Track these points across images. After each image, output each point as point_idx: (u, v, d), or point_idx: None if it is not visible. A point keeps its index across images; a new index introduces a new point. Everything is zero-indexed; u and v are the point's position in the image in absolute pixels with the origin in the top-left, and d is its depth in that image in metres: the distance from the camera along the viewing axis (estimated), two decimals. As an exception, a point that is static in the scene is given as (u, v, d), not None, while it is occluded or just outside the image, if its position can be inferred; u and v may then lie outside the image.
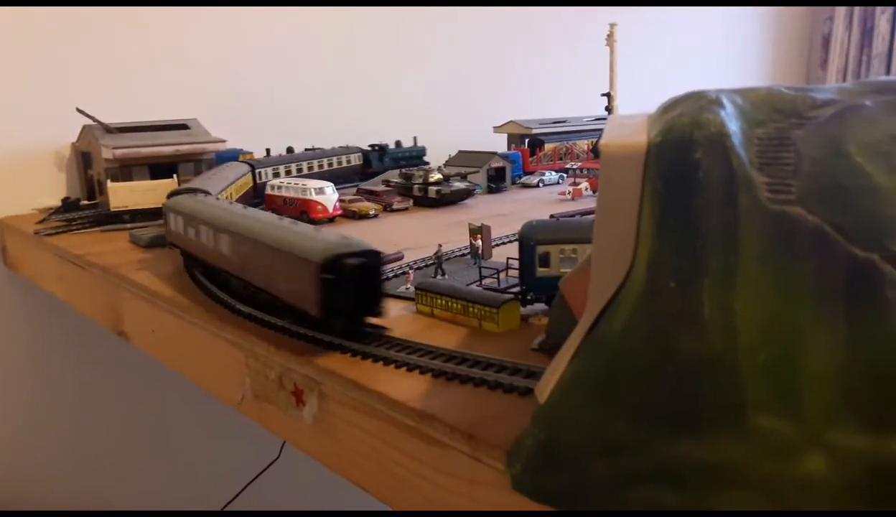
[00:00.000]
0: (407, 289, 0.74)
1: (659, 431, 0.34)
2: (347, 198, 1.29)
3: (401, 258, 0.89)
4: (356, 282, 0.57)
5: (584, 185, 1.37)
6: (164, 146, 1.28)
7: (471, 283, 0.76)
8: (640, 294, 0.36)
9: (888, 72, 2.36)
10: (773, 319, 0.33)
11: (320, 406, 0.58)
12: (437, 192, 1.30)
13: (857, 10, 2.42)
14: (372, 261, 0.58)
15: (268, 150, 1.55)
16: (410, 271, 0.80)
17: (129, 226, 1.16)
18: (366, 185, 1.42)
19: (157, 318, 0.84)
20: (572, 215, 1.16)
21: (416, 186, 1.33)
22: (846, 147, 0.34)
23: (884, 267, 0.32)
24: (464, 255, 0.89)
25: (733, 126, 0.35)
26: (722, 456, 0.33)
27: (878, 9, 2.35)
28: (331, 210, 1.17)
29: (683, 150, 0.35)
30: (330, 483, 0.59)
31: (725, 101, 0.37)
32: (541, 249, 0.63)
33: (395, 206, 1.28)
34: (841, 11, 2.45)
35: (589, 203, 1.28)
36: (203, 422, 1.62)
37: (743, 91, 0.38)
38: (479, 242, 0.85)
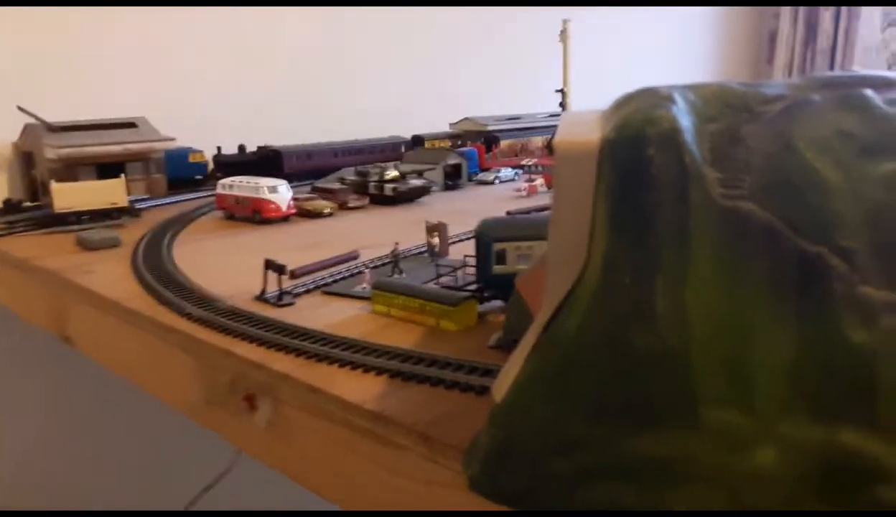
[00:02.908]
0: (363, 288, 0.73)
1: (615, 428, 0.34)
2: (302, 196, 1.27)
3: (356, 257, 0.88)
4: None
5: (539, 181, 1.37)
6: (113, 145, 1.24)
7: (428, 282, 0.75)
8: (595, 290, 0.36)
9: (832, 67, 2.43)
10: (726, 313, 0.33)
11: (274, 410, 0.56)
12: (394, 189, 1.29)
13: (801, 7, 2.49)
14: None
15: (219, 148, 1.52)
16: (367, 270, 0.79)
17: (75, 228, 1.12)
18: (321, 183, 1.40)
19: (103, 322, 0.81)
20: (528, 212, 1.16)
21: (372, 184, 1.32)
22: (795, 142, 0.35)
23: (832, 260, 0.32)
24: (421, 253, 0.88)
25: (685, 122, 0.35)
26: (677, 450, 0.33)
27: (822, 6, 2.42)
28: (284, 209, 1.15)
29: (636, 146, 0.35)
30: (289, 486, 0.57)
31: (677, 97, 0.37)
32: (497, 247, 0.62)
33: (350, 204, 1.27)
34: (787, 9, 2.51)
35: (544, 199, 1.29)
36: (158, 427, 1.58)
37: (694, 87, 0.39)
38: (436, 240, 0.85)
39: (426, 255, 0.86)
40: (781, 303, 0.33)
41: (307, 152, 1.57)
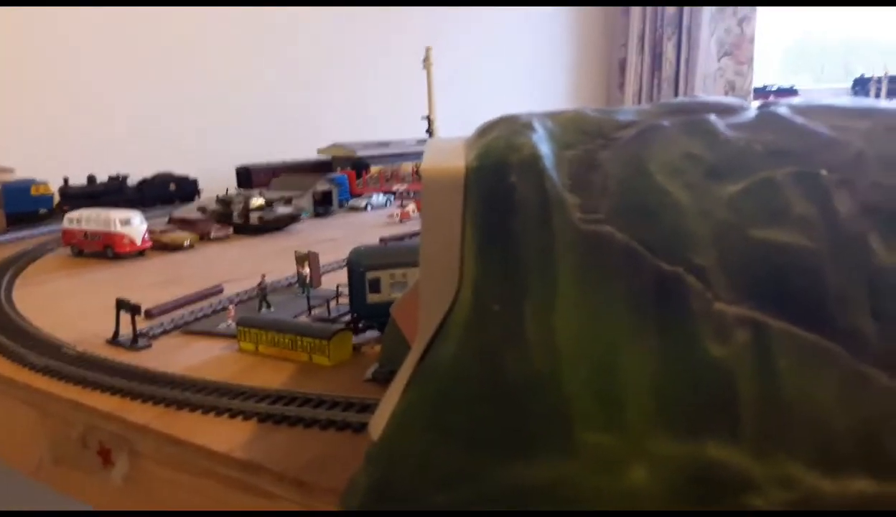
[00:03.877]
0: (228, 325, 0.69)
1: (494, 458, 0.34)
2: (158, 228, 1.19)
3: (220, 292, 0.84)
4: None
5: (411, 207, 1.38)
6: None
7: (299, 315, 0.73)
8: (467, 318, 0.36)
9: (676, 93, 2.63)
10: (592, 336, 0.34)
11: (132, 465, 0.52)
12: (260, 218, 1.25)
13: (647, 37, 2.68)
14: None
15: (66, 179, 1.41)
16: (231, 306, 0.75)
17: None
18: (179, 213, 1.33)
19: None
20: (401, 238, 1.16)
21: (235, 213, 1.26)
22: (647, 166, 0.36)
23: (688, 279, 0.34)
24: (291, 284, 0.86)
25: (545, 149, 0.36)
26: (556, 475, 0.33)
27: (665, 36, 2.61)
28: (139, 242, 1.08)
29: (499, 173, 0.35)
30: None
31: (536, 124, 0.37)
32: (371, 275, 0.61)
33: (213, 235, 1.21)
34: (634, 39, 2.70)
35: (418, 225, 1.29)
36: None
37: (552, 114, 0.39)
38: (307, 270, 0.82)
39: (296, 286, 0.83)
40: (643, 323, 0.34)
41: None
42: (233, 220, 1.26)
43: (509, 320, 0.34)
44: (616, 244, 0.35)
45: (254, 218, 1.25)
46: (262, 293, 0.76)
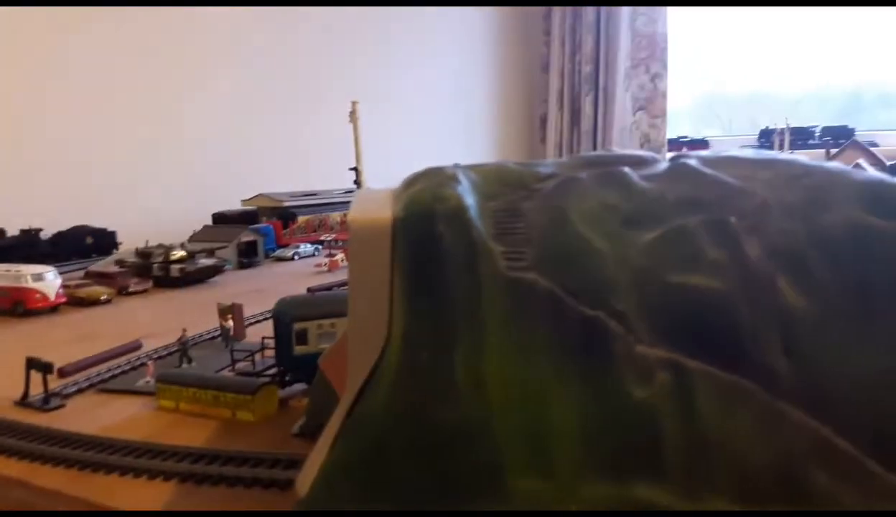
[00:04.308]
0: (147, 382, 0.67)
1: (425, 511, 0.34)
2: (73, 282, 1.14)
3: (138, 347, 0.80)
4: None
5: (340, 256, 1.37)
6: None
7: (222, 369, 0.71)
8: (397, 368, 0.36)
9: (595, 145, 2.74)
10: (520, 381, 0.34)
11: (40, 536, 0.48)
12: (181, 270, 1.21)
13: (566, 93, 2.79)
14: None
15: (1, 230, 1.34)
16: (150, 362, 0.72)
17: None
18: (96, 267, 1.27)
19: None
20: (330, 288, 1.15)
21: (155, 265, 1.22)
22: (568, 215, 0.38)
23: (610, 323, 0.35)
24: (213, 338, 0.83)
25: (470, 200, 0.37)
26: (487, 524, 0.33)
27: (583, 92, 2.73)
28: (52, 298, 1.03)
29: (426, 223, 0.35)
30: None
31: (461, 176, 0.38)
32: (297, 326, 0.60)
33: (131, 289, 1.17)
34: (554, 95, 2.80)
35: (346, 274, 1.28)
36: None
37: (475, 167, 0.41)
38: (230, 323, 0.80)
39: (220, 340, 0.81)
40: (569, 367, 0.35)
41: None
42: (153, 273, 1.22)
43: (439, 369, 0.35)
44: (541, 291, 0.35)
45: (175, 270, 1.21)
46: (183, 348, 0.73)
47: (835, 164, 0.39)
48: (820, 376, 0.33)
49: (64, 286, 1.06)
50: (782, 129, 1.78)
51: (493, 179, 0.40)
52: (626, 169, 0.41)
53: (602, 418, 0.33)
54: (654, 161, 0.44)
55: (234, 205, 1.76)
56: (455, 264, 0.35)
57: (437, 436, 0.34)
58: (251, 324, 0.88)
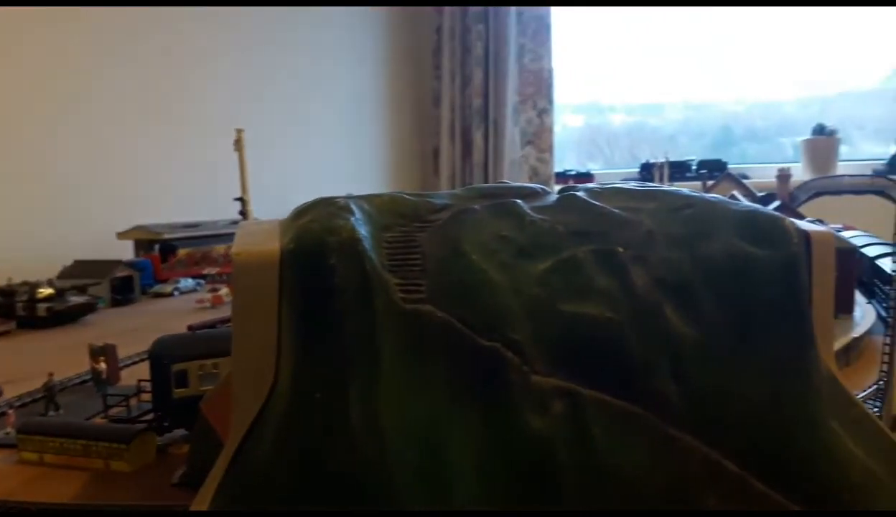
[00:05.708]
0: (6, 433, 0.61)
1: (317, 561, 0.32)
2: (-78, 326, 1.03)
3: (-2, 395, 0.73)
4: None
5: (224, 290, 1.31)
6: None
7: (93, 416, 0.65)
8: (286, 410, 0.34)
9: (486, 178, 2.80)
10: (417, 416, 0.33)
11: None
12: (48, 308, 1.12)
13: (458, 126, 2.85)
14: None
15: None
16: (11, 411, 0.66)
17: None
18: (-51, 308, 1.16)
19: None
20: (213, 325, 1.09)
21: (19, 304, 1.13)
22: (463, 246, 0.37)
23: (506, 353, 0.35)
24: (84, 382, 0.77)
25: (363, 231, 0.36)
26: (386, 569, 0.31)
27: (474, 125, 2.80)
28: None
29: (317, 256, 0.34)
30: None
31: (354, 207, 0.37)
32: (176, 367, 0.57)
33: (-9, 331, 1.07)
34: (445, 128, 2.85)
35: (230, 310, 1.23)
36: None
37: (369, 197, 0.40)
38: (103, 365, 0.75)
39: (91, 384, 0.75)
40: (466, 399, 0.34)
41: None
42: (16, 313, 1.12)
43: (332, 408, 0.33)
44: (436, 322, 0.35)
45: (41, 309, 1.12)
46: (50, 394, 0.67)
47: (713, 196, 0.42)
48: (706, 401, 0.34)
49: None
50: (662, 163, 1.89)
51: (387, 210, 0.39)
52: (519, 201, 0.41)
53: (500, 452, 0.32)
54: (544, 193, 0.44)
55: (108, 238, 1.66)
56: (348, 298, 0.34)
57: (329, 480, 0.32)
58: (126, 366, 0.82)
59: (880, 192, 1.32)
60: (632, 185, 0.45)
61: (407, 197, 0.41)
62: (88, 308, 1.18)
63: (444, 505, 0.32)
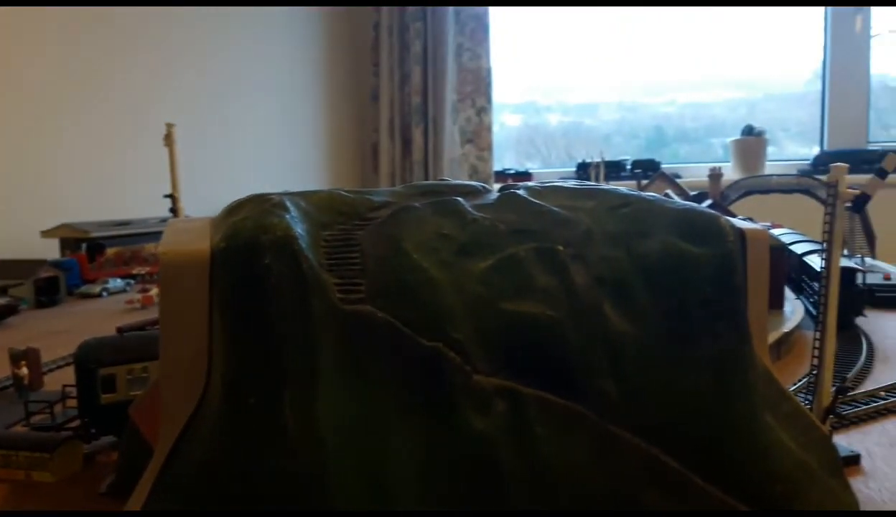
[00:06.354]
0: (-87, 447, 0.57)
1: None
2: None
3: None
4: None
5: (154, 291, 1.27)
6: None
7: (14, 424, 0.62)
8: (218, 416, 0.33)
9: (426, 176, 2.79)
10: (356, 422, 0.33)
11: None
12: (-35, 312, 1.06)
13: (397, 123, 2.83)
14: None
15: None
16: (-80, 422, 0.62)
17: None
18: None
19: None
20: (143, 327, 1.05)
21: (-68, 308, 1.06)
22: (403, 245, 0.37)
23: (448, 353, 0.34)
24: (5, 388, 0.73)
25: (299, 229, 0.35)
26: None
27: (414, 123, 2.78)
28: None
29: (250, 255, 0.33)
30: None
31: (289, 204, 0.36)
32: (104, 371, 0.54)
33: None
34: (384, 125, 2.83)
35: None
36: None
37: (305, 194, 0.39)
38: (24, 370, 0.71)
39: (13, 389, 0.71)
40: (408, 401, 0.33)
41: None
42: (-72, 316, 1.06)
43: (267, 414, 0.32)
44: (377, 323, 0.34)
45: (-44, 312, 1.06)
46: (-36, 402, 0.64)
47: (650, 194, 0.42)
48: (645, 398, 0.34)
49: None
50: (597, 163, 1.92)
51: (325, 207, 0.38)
52: (460, 199, 0.41)
53: (442, 454, 0.32)
54: (485, 191, 0.44)
55: (32, 236, 1.58)
56: (285, 299, 0.32)
57: (264, 489, 0.31)
58: (50, 370, 0.79)
59: (806, 191, 1.37)
60: (571, 183, 0.45)
61: (346, 194, 0.40)
62: (9, 310, 1.13)
63: (387, 508, 0.31)
